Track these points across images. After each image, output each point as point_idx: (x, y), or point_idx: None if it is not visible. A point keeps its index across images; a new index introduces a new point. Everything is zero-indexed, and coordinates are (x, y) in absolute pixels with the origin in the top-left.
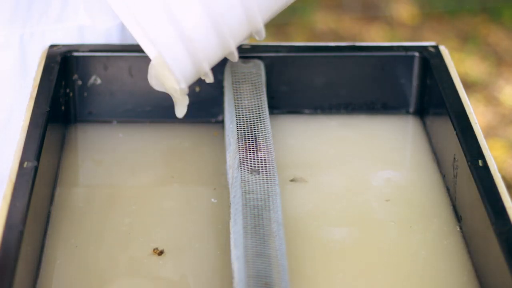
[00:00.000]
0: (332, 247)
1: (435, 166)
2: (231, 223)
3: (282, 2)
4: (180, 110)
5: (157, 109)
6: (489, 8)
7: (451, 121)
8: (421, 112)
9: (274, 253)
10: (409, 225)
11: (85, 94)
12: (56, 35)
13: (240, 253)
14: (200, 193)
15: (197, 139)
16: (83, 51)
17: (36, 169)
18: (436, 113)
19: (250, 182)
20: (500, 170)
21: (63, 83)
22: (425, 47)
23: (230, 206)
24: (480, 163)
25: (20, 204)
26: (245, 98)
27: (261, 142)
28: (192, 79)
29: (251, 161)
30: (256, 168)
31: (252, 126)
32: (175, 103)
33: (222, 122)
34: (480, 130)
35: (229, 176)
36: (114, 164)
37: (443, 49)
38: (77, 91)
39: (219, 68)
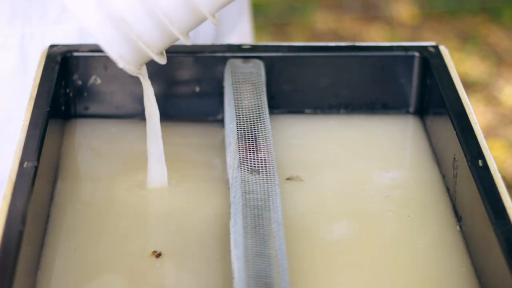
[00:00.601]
0: (332, 247)
1: (435, 166)
2: (231, 223)
3: None
4: (147, 92)
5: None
6: (489, 8)
7: (451, 121)
8: (421, 112)
9: (274, 253)
10: (409, 225)
11: (85, 94)
12: (56, 36)
13: (240, 253)
14: (199, 193)
15: (197, 139)
16: (83, 51)
17: (36, 169)
18: (436, 113)
19: (250, 182)
20: (500, 170)
21: (63, 83)
22: (425, 47)
23: (230, 206)
24: (480, 163)
25: (20, 204)
26: (245, 98)
27: (261, 142)
28: (135, 60)
29: (251, 161)
30: (256, 168)
31: (252, 126)
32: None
33: (221, 121)
34: (480, 130)
35: (229, 176)
36: (114, 163)
37: (443, 49)
38: (77, 91)
39: (219, 68)
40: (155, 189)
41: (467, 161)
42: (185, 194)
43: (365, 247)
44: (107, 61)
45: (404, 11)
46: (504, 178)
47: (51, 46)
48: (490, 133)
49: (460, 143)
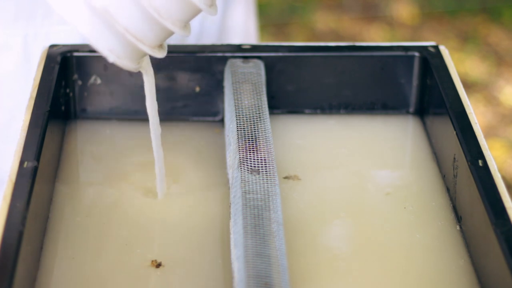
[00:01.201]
0: (331, 246)
1: (435, 166)
2: (231, 223)
3: None
4: (147, 89)
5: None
6: (489, 8)
7: (451, 121)
8: (421, 112)
9: (274, 253)
10: (409, 225)
11: (85, 94)
12: (60, 36)
13: (240, 253)
14: (199, 192)
15: (197, 139)
16: (83, 51)
17: (36, 169)
18: (436, 113)
19: (250, 182)
20: (500, 170)
21: (63, 83)
22: (425, 47)
23: (230, 206)
24: (480, 163)
25: (20, 204)
26: (245, 98)
27: (261, 142)
28: (128, 54)
29: (251, 161)
30: (256, 168)
31: (252, 126)
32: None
33: (221, 121)
34: (480, 130)
35: (229, 176)
36: (114, 163)
37: (443, 49)
38: (77, 91)
39: (219, 68)
40: (155, 190)
41: (467, 161)
42: (185, 194)
43: (365, 247)
44: (107, 61)
45: (404, 11)
46: (504, 178)
47: (51, 46)
48: (490, 133)
49: (460, 143)
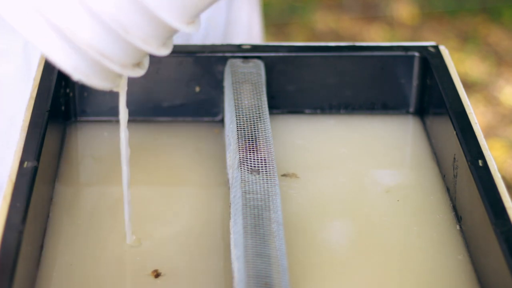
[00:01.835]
0: (331, 246)
1: (435, 166)
2: (231, 223)
3: None
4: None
5: (158, 108)
6: (489, 8)
7: (451, 121)
8: (421, 112)
9: (274, 253)
10: (409, 225)
11: (85, 94)
12: None
13: (240, 253)
14: (199, 192)
15: (197, 139)
16: None
17: (36, 169)
18: (436, 113)
19: (250, 182)
20: (500, 170)
21: (63, 83)
22: (425, 47)
23: (230, 206)
24: (480, 163)
25: (20, 204)
26: (245, 98)
27: (261, 142)
28: (97, 73)
29: (251, 161)
30: (256, 168)
31: (252, 126)
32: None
33: (221, 121)
34: (480, 130)
35: (229, 176)
36: (114, 163)
37: (443, 49)
38: (77, 91)
39: (219, 68)
40: (155, 190)
41: (467, 161)
42: (185, 194)
43: (365, 247)
44: None
45: (404, 11)
46: (504, 178)
47: None
48: (490, 133)
49: (460, 143)
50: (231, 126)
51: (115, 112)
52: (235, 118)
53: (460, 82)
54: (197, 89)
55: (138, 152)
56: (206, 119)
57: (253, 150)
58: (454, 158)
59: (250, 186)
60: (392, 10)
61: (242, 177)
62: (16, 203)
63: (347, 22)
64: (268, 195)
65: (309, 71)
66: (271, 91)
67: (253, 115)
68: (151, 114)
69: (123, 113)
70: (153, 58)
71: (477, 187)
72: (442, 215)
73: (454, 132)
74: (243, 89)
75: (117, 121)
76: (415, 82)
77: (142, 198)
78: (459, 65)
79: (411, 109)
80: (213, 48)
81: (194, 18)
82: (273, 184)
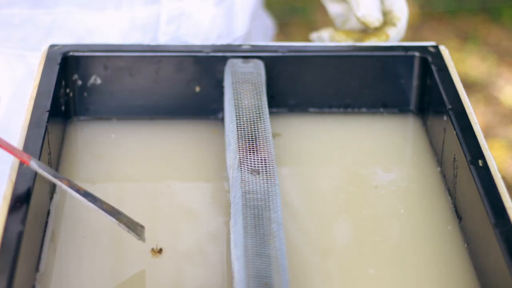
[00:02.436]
0: (332, 246)
1: (435, 166)
2: (231, 223)
3: None
4: None
5: (157, 108)
6: (489, 8)
7: (451, 121)
8: (421, 112)
9: (274, 253)
10: (409, 225)
11: (85, 94)
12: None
13: (240, 253)
14: (199, 192)
15: (197, 139)
16: (83, 51)
17: None
18: (436, 112)
19: (250, 182)
20: (500, 170)
21: (63, 83)
22: (425, 47)
23: (230, 206)
24: (480, 163)
25: (20, 204)
26: (245, 98)
27: (261, 142)
28: None
29: (251, 161)
30: (256, 168)
31: (252, 126)
32: None
33: (221, 120)
34: (480, 130)
35: (229, 176)
36: (114, 162)
37: (443, 49)
38: (77, 91)
39: (219, 68)
40: (155, 186)
41: (467, 161)
42: (184, 194)
43: (365, 247)
44: (107, 61)
45: None
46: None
47: (51, 46)
48: (490, 133)
49: (460, 143)
50: (231, 126)
51: (115, 111)
52: (235, 118)
53: (460, 82)
54: (197, 89)
55: (139, 152)
56: (206, 119)
57: (253, 150)
58: (454, 158)
59: (250, 186)
60: None
61: (242, 177)
62: (16, 203)
63: None
64: (268, 195)
65: (309, 71)
66: (272, 91)
67: (253, 115)
68: (151, 114)
69: None
70: (153, 58)
71: (477, 187)
72: (442, 215)
73: (454, 132)
74: (243, 89)
75: (117, 120)
76: (415, 82)
77: (142, 197)
78: (459, 65)
79: (411, 109)
80: (213, 48)
81: None
82: (273, 184)
